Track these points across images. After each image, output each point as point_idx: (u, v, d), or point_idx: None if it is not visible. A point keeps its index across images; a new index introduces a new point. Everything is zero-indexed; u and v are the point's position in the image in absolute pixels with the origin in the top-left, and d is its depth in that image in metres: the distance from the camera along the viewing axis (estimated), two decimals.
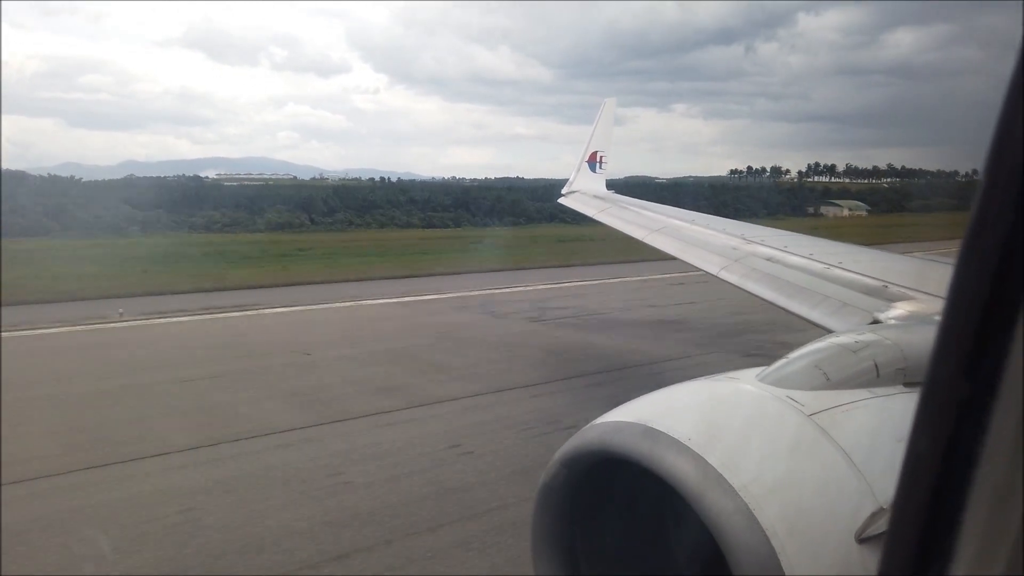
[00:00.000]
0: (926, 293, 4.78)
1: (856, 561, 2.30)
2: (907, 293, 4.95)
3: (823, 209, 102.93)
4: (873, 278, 5.54)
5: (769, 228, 9.65)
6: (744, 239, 8.59)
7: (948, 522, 0.87)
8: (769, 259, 7.57)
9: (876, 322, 4.55)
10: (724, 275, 7.98)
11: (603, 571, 2.89)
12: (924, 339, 3.30)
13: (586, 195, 15.78)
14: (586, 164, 17.15)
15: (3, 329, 18.38)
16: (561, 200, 16.66)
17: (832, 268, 6.34)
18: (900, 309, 4.66)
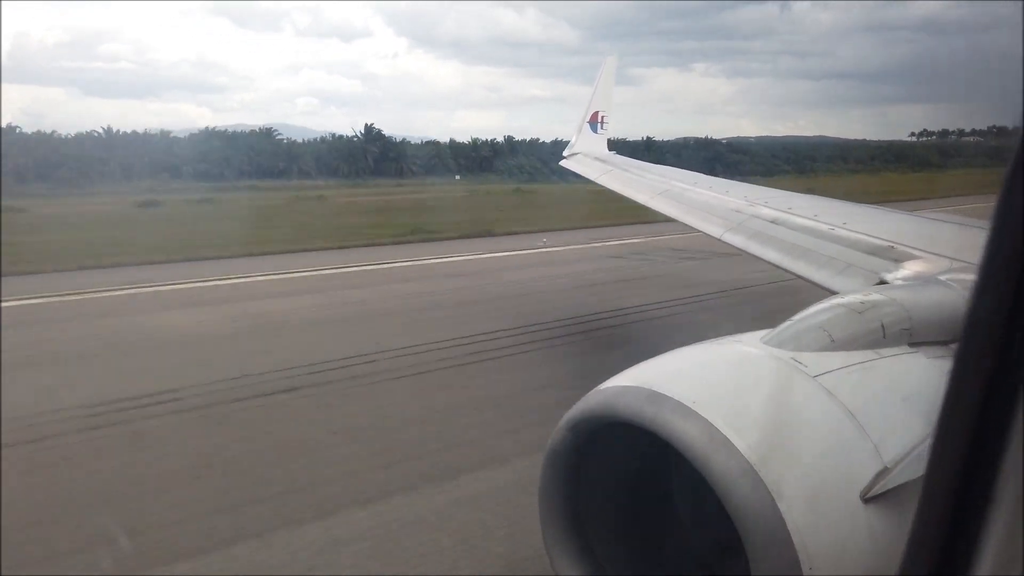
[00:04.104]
0: (933, 253, 4.74)
1: (861, 520, 2.32)
2: (913, 253, 4.92)
3: None
4: (879, 238, 5.50)
5: (772, 189, 9.56)
6: (747, 201, 8.52)
7: (988, 473, 0.85)
8: (773, 221, 7.51)
9: (882, 283, 4.53)
10: (728, 238, 7.94)
11: (610, 532, 2.92)
12: (930, 299, 3.29)
13: (587, 157, 15.59)
14: (587, 125, 16.87)
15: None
16: (563, 163, 16.46)
17: (837, 229, 6.29)
18: (907, 269, 4.63)
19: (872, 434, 2.45)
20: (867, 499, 2.34)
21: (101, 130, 76.45)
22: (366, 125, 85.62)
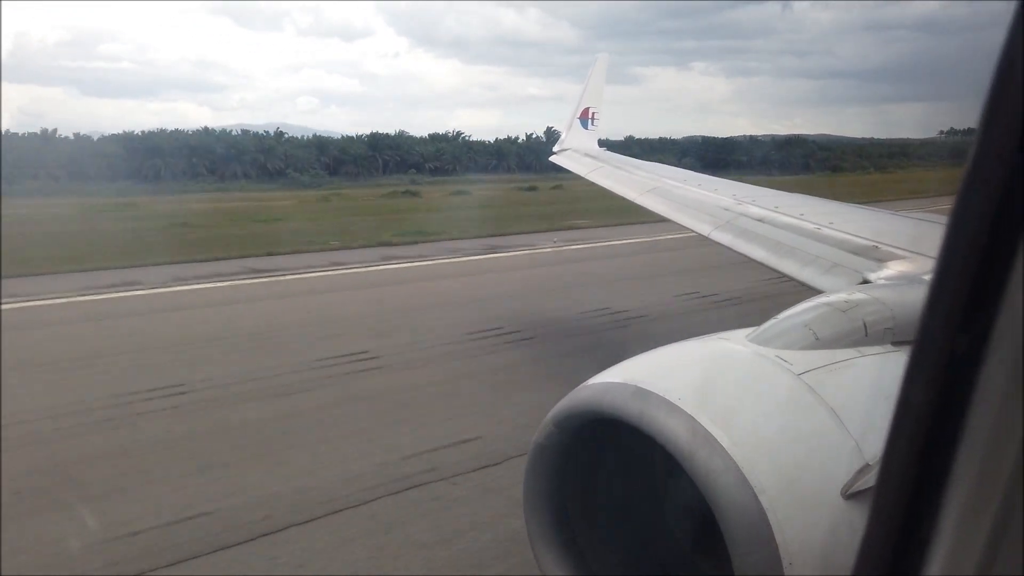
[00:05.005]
0: (916, 253, 4.80)
1: (843, 517, 2.35)
2: (897, 253, 4.97)
3: None
4: (864, 238, 5.55)
5: (761, 188, 9.60)
6: (736, 199, 8.56)
7: (939, 475, 0.87)
8: (760, 219, 7.56)
9: (866, 282, 4.58)
10: (715, 236, 7.98)
11: (595, 529, 2.94)
12: (913, 299, 3.33)
13: (577, 153, 15.57)
14: (578, 121, 16.83)
15: None
16: (552, 158, 16.42)
17: (823, 228, 6.34)
18: (890, 269, 4.68)
19: (854, 432, 2.48)
20: (848, 496, 2.37)
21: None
22: (526, 135, 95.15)
